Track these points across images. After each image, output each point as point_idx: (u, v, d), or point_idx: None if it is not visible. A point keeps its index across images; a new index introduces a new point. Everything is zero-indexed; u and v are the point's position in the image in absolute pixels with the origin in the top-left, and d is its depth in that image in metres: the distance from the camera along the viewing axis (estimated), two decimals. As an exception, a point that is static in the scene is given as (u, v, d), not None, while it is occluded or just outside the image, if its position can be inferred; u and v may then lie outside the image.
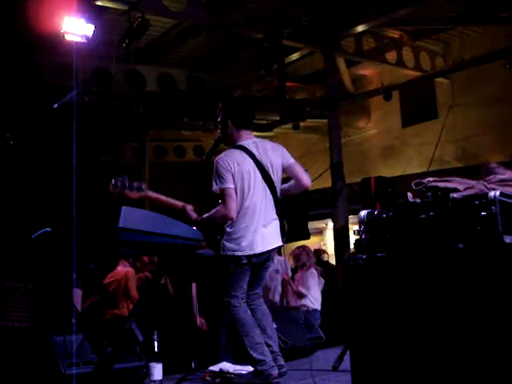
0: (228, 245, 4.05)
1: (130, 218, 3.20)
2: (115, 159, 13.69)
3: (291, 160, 4.28)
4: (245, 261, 4.02)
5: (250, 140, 4.23)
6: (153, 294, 5.51)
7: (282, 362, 4.04)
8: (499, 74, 10.47)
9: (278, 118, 11.65)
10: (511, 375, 2.35)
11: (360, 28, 10.52)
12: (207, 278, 5.58)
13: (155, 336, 3.84)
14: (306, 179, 4.27)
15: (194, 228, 3.84)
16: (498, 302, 2.35)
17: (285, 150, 4.32)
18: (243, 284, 4.09)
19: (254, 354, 3.91)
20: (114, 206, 3.21)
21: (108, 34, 9.47)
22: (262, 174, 4.15)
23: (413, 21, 11.09)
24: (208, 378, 4.15)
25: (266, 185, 4.16)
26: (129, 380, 3.80)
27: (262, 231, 4.08)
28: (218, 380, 4.12)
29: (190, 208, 4.23)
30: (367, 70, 13.92)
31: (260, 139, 4.35)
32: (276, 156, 4.25)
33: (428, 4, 10.24)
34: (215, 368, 4.34)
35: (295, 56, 11.84)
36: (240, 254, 4.01)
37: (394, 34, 12.22)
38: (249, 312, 4.09)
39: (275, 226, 4.15)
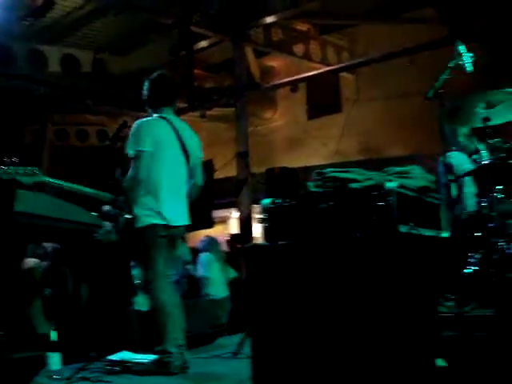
0: (143, 215, 3.96)
1: (27, 201, 3.09)
2: (14, 142, 13.13)
3: (201, 157, 4.35)
4: (162, 232, 3.94)
5: (172, 116, 4.23)
6: (51, 281, 5.35)
7: (186, 357, 4.02)
8: (402, 71, 10.83)
9: (185, 106, 11.56)
10: (400, 358, 2.45)
11: (268, 19, 10.61)
12: (108, 264, 5.48)
13: (53, 325, 3.75)
14: (202, 180, 4.33)
15: (94, 213, 3.75)
16: (392, 288, 2.45)
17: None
18: (163, 260, 4.00)
19: (166, 344, 3.87)
20: (10, 189, 3.08)
21: (10, 11, 9.05)
22: (180, 149, 4.13)
23: (320, 15, 11.29)
24: (108, 367, 4.09)
25: (182, 160, 4.15)
26: (26, 369, 3.68)
27: (175, 204, 4.05)
28: (117, 368, 4.06)
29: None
30: (275, 62, 14.05)
31: (183, 121, 4.36)
32: (196, 143, 4.28)
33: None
34: (115, 357, 4.28)
35: (204, 44, 11.79)
36: (156, 222, 3.92)
37: (302, 27, 12.39)
38: (172, 297, 4.03)
39: (185, 203, 4.14)
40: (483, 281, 3.56)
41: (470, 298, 3.38)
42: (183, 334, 4.08)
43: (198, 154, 4.28)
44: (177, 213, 4.07)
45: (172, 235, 4.05)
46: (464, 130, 4.61)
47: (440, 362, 2.69)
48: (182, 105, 11.73)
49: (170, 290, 4.07)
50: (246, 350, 3.98)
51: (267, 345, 2.76)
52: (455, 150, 4.40)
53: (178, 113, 12.44)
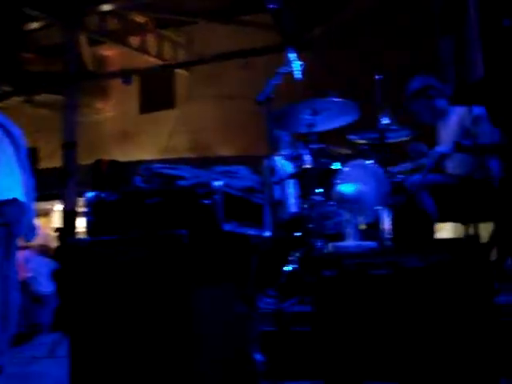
0: None
1: None
2: None
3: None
4: None
5: None
6: None
7: (4, 360, 3.78)
8: (235, 73, 11.08)
9: (9, 89, 10.92)
10: (218, 352, 2.49)
11: (105, 7, 10.36)
12: None
13: None
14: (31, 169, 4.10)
15: None
16: (209, 285, 2.49)
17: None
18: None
19: None
20: None
21: None
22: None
23: (158, 9, 11.22)
24: None
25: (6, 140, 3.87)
26: None
27: (8, 176, 3.72)
28: None
29: None
30: (110, 51, 13.73)
31: None
32: (15, 127, 4.02)
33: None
34: None
35: (36, 25, 11.20)
36: None
37: (140, 19, 12.23)
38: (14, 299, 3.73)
39: (19, 179, 3.84)
40: (302, 278, 3.74)
41: (289, 295, 3.54)
42: (10, 341, 3.81)
43: (21, 140, 4.01)
44: (11, 184, 3.72)
45: (11, 217, 3.71)
46: (289, 135, 4.80)
47: (258, 357, 2.77)
48: (5, 88, 11.07)
49: (11, 291, 3.77)
50: (64, 349, 3.83)
51: (84, 344, 2.67)
52: (279, 154, 4.57)
53: (1, 97, 11.72)
